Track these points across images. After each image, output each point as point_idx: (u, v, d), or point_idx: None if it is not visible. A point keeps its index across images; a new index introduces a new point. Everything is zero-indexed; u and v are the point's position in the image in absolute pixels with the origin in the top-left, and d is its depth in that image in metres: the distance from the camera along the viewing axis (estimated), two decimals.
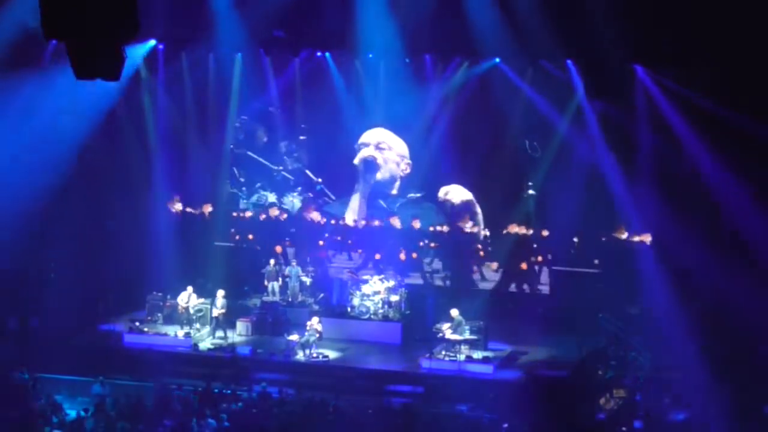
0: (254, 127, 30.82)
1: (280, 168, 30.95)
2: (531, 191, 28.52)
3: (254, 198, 30.96)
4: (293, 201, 30.80)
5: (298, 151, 30.87)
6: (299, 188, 30.96)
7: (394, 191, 30.57)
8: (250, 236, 29.46)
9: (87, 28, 10.96)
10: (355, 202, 30.69)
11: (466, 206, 29.52)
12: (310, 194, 30.83)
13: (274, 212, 30.11)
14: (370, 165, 30.42)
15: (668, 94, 25.96)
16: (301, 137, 30.68)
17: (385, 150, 30.47)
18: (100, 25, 10.86)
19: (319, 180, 30.81)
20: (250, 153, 30.84)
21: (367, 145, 30.46)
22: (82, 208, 28.08)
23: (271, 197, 30.94)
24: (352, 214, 30.33)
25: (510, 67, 27.64)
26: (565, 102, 27.31)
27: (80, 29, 11.01)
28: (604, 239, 27.23)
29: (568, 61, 26.41)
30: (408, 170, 30.54)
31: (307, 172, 30.91)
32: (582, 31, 23.35)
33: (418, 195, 30.18)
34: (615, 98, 25.95)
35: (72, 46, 11.88)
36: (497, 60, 27.63)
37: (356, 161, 30.54)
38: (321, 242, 29.34)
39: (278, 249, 29.10)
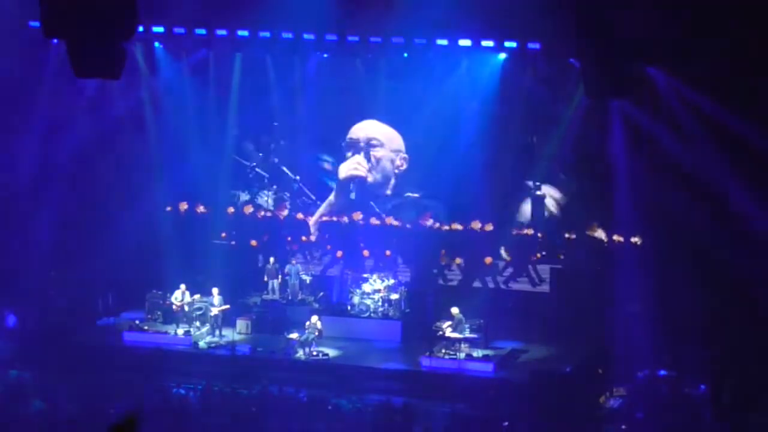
0: (225, 117, 29.26)
1: (254, 164, 29.64)
2: (539, 192, 27.98)
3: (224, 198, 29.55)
4: (267, 201, 29.47)
5: (272, 143, 29.55)
6: (275, 186, 29.58)
7: (388, 191, 29.28)
8: (223, 234, 29.06)
9: (86, 27, 10.97)
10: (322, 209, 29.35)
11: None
12: (287, 193, 29.47)
13: (248, 209, 29.21)
14: (358, 184, 29.11)
15: (678, 92, 25.88)
16: (275, 123, 29.43)
17: (378, 147, 29.21)
18: (100, 24, 10.87)
19: (297, 177, 29.44)
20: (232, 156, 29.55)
21: (356, 143, 29.09)
22: (82, 206, 28.10)
23: (244, 197, 29.57)
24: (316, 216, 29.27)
25: (513, 64, 27.46)
26: (570, 99, 27.16)
27: (80, 28, 11.03)
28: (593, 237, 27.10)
29: (571, 60, 26.27)
30: (404, 166, 29.16)
31: (284, 168, 29.49)
32: (589, 27, 23.13)
33: (417, 195, 29.02)
34: (623, 96, 25.67)
35: (72, 45, 11.91)
36: (501, 57, 27.42)
37: (342, 175, 29.16)
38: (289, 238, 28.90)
39: (253, 243, 28.69)
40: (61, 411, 20.49)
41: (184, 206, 29.20)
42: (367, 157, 29.25)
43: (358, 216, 28.76)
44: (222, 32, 27.23)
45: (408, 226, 28.47)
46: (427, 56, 27.52)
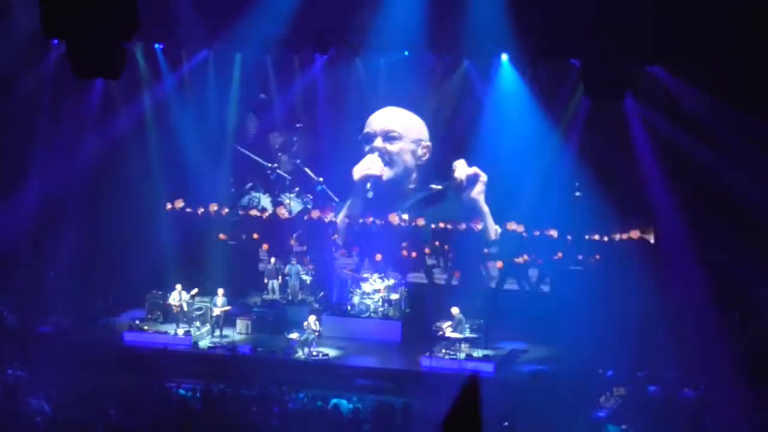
0: (243, 116, 29.36)
1: (275, 165, 29.38)
2: (578, 193, 27.14)
3: (244, 200, 29.33)
4: (290, 204, 29.14)
5: (295, 144, 29.26)
6: (297, 189, 29.30)
7: (412, 185, 28.59)
8: (248, 236, 28.83)
9: (87, 28, 10.97)
10: (342, 214, 28.68)
11: (475, 177, 27.75)
12: (310, 196, 29.17)
13: (282, 211, 28.79)
14: (374, 183, 28.35)
15: (677, 91, 25.86)
16: (298, 125, 29.06)
17: (396, 140, 28.33)
18: (100, 25, 10.87)
19: (321, 179, 29.06)
20: (239, 148, 29.30)
21: (372, 136, 28.36)
22: (82, 206, 28.10)
23: (265, 200, 29.25)
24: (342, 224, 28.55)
25: (514, 65, 27.36)
26: (569, 100, 27.12)
27: (80, 28, 11.02)
28: (606, 238, 27.05)
29: (573, 60, 26.24)
30: (427, 155, 28.32)
31: (306, 170, 29.19)
32: (587, 28, 23.11)
33: (440, 187, 28.37)
34: (619, 96, 25.60)
35: (72, 45, 11.91)
36: (505, 59, 27.33)
37: (356, 176, 28.46)
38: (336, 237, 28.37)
39: (265, 247, 28.49)
40: (61, 411, 20.48)
41: (214, 207, 28.79)
42: (382, 155, 28.43)
43: (394, 218, 28.01)
44: (222, 32, 27.31)
45: (463, 226, 27.80)
46: (428, 56, 27.60)
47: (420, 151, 28.58)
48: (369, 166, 28.56)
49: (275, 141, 29.43)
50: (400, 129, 28.56)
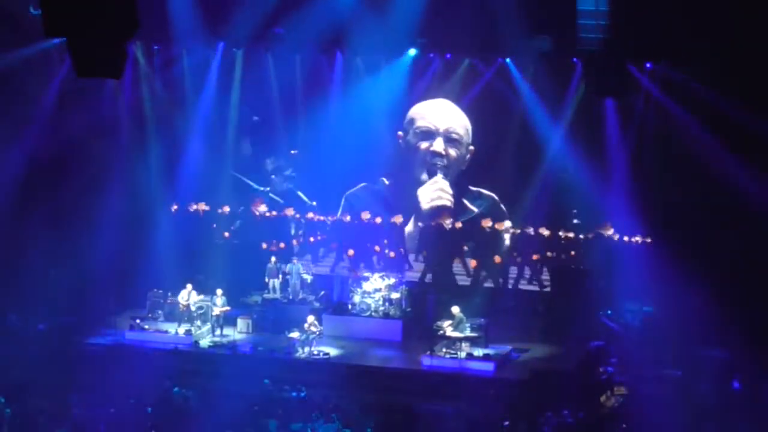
0: (239, 139, 29.25)
1: (267, 189, 29.16)
2: (576, 221, 27.07)
3: (236, 224, 28.94)
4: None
5: (289, 168, 29.12)
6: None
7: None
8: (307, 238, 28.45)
9: (88, 27, 11.02)
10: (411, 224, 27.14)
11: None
12: (303, 220, 28.36)
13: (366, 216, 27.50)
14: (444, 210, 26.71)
15: (674, 89, 25.88)
16: (292, 151, 28.81)
17: (457, 145, 26.89)
18: (101, 24, 10.92)
19: (314, 203, 28.84)
20: (232, 172, 29.19)
21: (434, 134, 26.64)
22: (84, 205, 28.12)
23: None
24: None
25: (514, 65, 27.37)
26: (567, 99, 27.13)
27: (81, 27, 11.07)
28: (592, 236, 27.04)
29: (575, 59, 26.28)
30: (469, 158, 27.29)
31: (300, 193, 29.00)
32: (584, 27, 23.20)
33: (476, 210, 27.59)
34: (619, 95, 25.68)
35: (73, 44, 11.93)
36: (507, 60, 27.33)
37: (425, 206, 27.01)
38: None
39: (351, 252, 27.48)
40: (62, 410, 20.51)
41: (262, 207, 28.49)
42: (440, 161, 26.79)
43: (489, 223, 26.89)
44: (222, 31, 27.41)
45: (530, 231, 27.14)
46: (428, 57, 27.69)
47: (468, 156, 27.70)
48: (439, 195, 27.36)
49: (269, 165, 29.24)
50: (461, 131, 27.37)
